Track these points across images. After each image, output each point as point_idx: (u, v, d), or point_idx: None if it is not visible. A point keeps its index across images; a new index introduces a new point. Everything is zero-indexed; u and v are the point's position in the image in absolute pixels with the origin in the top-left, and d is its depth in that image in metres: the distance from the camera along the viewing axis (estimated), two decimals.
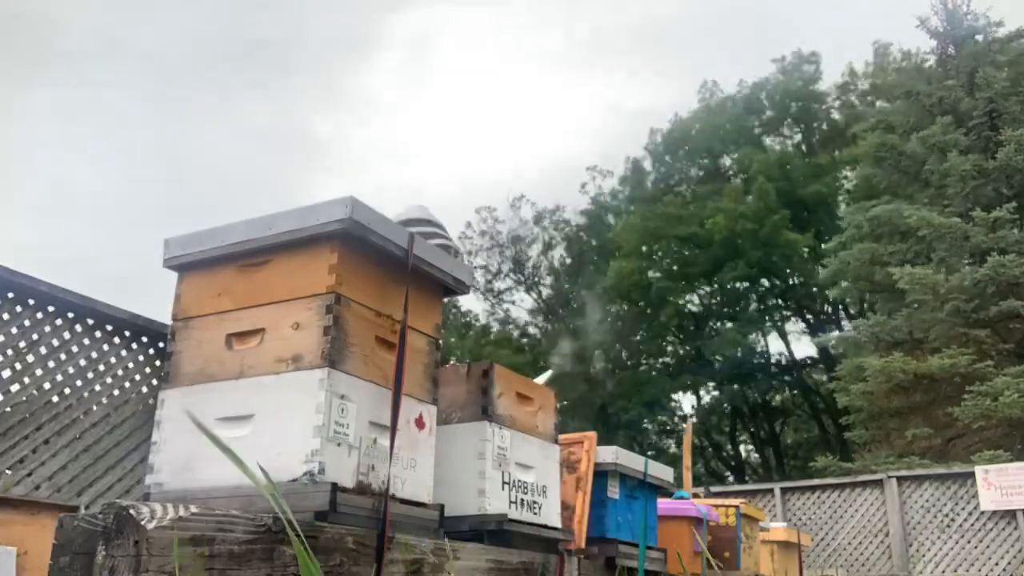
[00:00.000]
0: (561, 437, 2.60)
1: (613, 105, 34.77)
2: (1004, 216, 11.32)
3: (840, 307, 21.53)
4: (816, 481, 9.51)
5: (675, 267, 22.19)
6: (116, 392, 3.92)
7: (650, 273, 22.02)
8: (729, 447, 24.38)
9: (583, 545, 2.38)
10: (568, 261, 25.02)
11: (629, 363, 23.27)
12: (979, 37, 13.82)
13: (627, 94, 35.46)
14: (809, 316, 23.11)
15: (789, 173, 21.13)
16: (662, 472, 2.84)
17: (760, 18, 32.12)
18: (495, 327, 25.08)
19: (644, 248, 21.61)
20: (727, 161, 23.75)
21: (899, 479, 8.59)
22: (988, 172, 12.10)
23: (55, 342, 3.66)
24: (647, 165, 24.40)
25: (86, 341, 3.81)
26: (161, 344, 4.04)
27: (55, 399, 3.65)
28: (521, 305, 26.23)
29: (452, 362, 2.12)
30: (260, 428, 1.51)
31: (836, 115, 22.54)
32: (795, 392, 23.25)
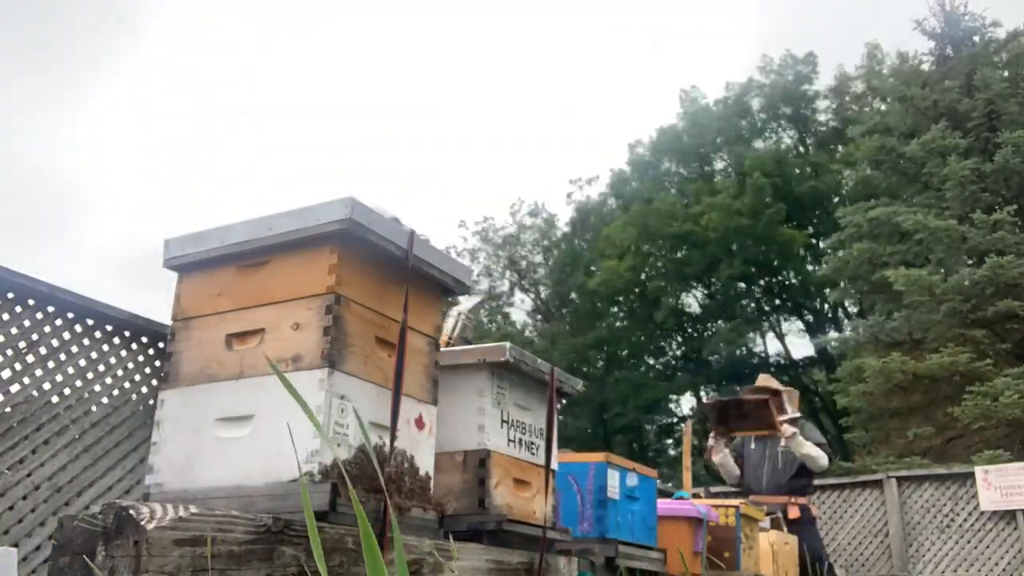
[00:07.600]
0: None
1: (600, 112, 34.69)
2: (1004, 219, 11.32)
3: (839, 307, 21.53)
4: (816, 481, 9.48)
5: (670, 266, 22.16)
6: (116, 392, 3.92)
7: (645, 273, 21.99)
8: None
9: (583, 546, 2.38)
10: (560, 264, 25.08)
11: (627, 364, 23.24)
12: (976, 38, 13.82)
13: (614, 101, 35.36)
14: (808, 316, 23.11)
15: (784, 170, 21.05)
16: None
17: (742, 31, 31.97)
18: (494, 328, 25.11)
19: (638, 247, 21.54)
20: (718, 164, 23.74)
21: (899, 479, 8.58)
22: (986, 175, 12.10)
23: (55, 342, 3.66)
24: (630, 173, 24.44)
25: (86, 341, 3.80)
26: (161, 344, 4.04)
27: (55, 399, 3.64)
28: (520, 307, 26.31)
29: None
30: (260, 428, 1.52)
31: (832, 116, 22.50)
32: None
